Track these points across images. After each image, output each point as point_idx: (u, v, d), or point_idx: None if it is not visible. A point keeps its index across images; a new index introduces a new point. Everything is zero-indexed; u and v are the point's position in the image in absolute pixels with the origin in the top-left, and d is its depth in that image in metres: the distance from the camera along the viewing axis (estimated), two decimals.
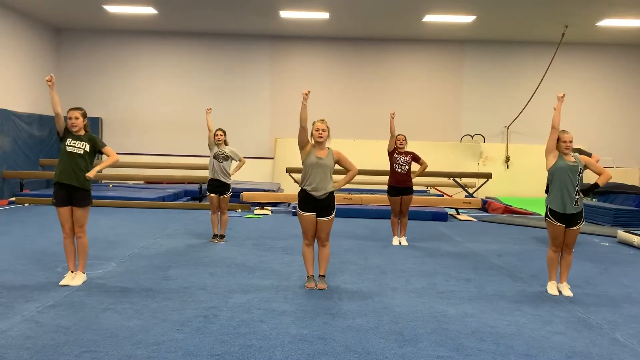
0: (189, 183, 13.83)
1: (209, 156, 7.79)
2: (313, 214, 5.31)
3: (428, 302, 5.00)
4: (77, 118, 5.19)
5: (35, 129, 13.83)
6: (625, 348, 3.99)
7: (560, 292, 5.43)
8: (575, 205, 5.30)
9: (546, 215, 5.47)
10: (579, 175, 5.31)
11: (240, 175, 14.15)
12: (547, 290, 5.49)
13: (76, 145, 5.15)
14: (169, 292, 5.08)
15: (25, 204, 11.43)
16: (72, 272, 5.29)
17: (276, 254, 7.01)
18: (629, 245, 8.37)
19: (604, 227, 10.27)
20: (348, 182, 5.50)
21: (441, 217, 10.89)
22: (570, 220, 5.35)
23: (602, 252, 7.88)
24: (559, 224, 5.36)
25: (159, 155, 15.26)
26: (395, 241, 8.02)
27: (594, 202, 12.11)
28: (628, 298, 5.39)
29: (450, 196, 13.67)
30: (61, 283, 5.17)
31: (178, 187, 13.82)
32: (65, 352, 3.59)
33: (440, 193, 14.22)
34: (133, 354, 3.60)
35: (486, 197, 13.62)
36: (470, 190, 13.26)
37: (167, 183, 14.34)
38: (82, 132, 5.24)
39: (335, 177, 5.46)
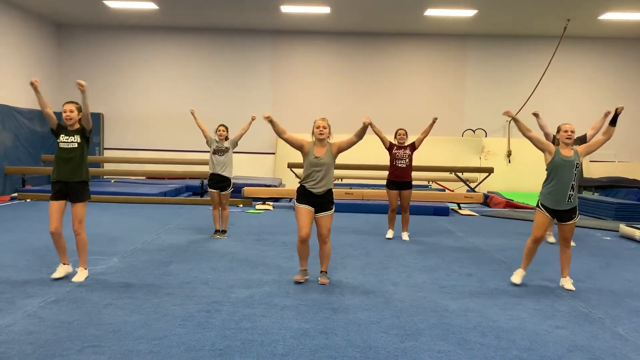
0: (190, 178, 13.84)
1: (209, 151, 7.77)
2: (311, 208, 5.29)
3: (430, 297, 5.00)
4: (71, 111, 5.19)
5: (37, 125, 13.83)
6: (627, 342, 3.99)
7: (562, 286, 5.43)
8: (568, 201, 5.28)
9: (537, 205, 5.46)
10: (575, 170, 5.28)
11: (241, 170, 14.24)
12: (511, 278, 5.51)
13: (69, 140, 5.17)
14: (171, 287, 5.09)
15: (27, 200, 11.45)
16: (65, 264, 5.31)
17: (278, 249, 7.02)
18: (631, 239, 8.36)
19: (606, 221, 10.25)
20: (357, 135, 5.38)
21: (443, 211, 10.88)
22: (561, 215, 5.34)
23: (604, 246, 7.87)
24: (547, 215, 5.35)
25: (161, 151, 15.26)
26: (390, 234, 7.98)
27: (595, 196, 12.09)
28: (630, 292, 5.39)
29: (452, 191, 13.66)
30: (53, 276, 5.20)
31: (179, 182, 13.83)
32: (68, 347, 3.60)
33: (441, 188, 14.21)
34: (135, 348, 3.61)
35: (488, 192, 13.62)
36: (472, 185, 13.25)
37: (168, 178, 14.35)
38: (77, 126, 5.23)
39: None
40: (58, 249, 5.29)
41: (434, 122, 7.90)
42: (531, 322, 4.37)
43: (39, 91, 5.13)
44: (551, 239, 7.87)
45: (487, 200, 12.71)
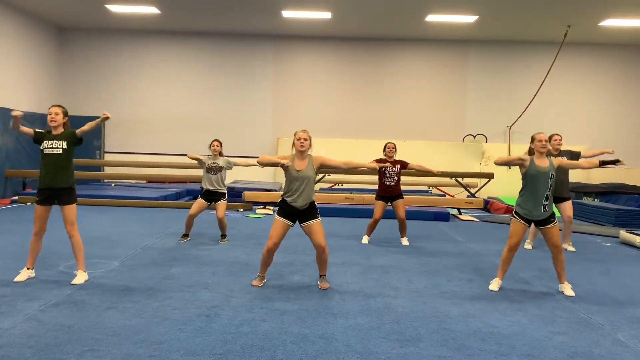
0: (191, 182, 13.84)
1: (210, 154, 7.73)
2: (289, 222, 5.26)
3: (430, 302, 5.00)
4: (57, 114, 5.18)
5: (39, 128, 13.80)
6: (628, 349, 3.98)
7: (562, 292, 5.43)
8: (543, 210, 5.30)
9: (512, 214, 5.47)
10: (550, 181, 5.29)
11: (242, 175, 14.25)
12: (489, 286, 5.52)
13: (53, 146, 5.13)
14: (171, 291, 5.09)
15: (28, 203, 11.45)
16: (28, 268, 5.30)
17: (278, 254, 6.96)
18: (632, 245, 8.35)
19: (606, 227, 10.25)
20: (353, 167, 5.60)
21: (443, 217, 10.88)
22: (538, 222, 5.35)
23: (605, 253, 7.86)
24: (523, 222, 5.36)
25: (161, 155, 15.27)
26: (365, 240, 7.99)
27: (596, 202, 12.09)
28: (630, 298, 5.39)
29: (452, 196, 13.65)
30: (15, 279, 5.19)
31: (180, 186, 13.84)
32: (68, 351, 3.60)
33: (442, 193, 14.21)
34: (135, 352, 3.61)
35: (488, 197, 13.61)
36: (472, 190, 13.24)
37: (169, 182, 14.35)
38: (60, 130, 5.20)
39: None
40: (32, 251, 5.27)
41: (436, 174, 8.01)
42: (531, 327, 4.37)
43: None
44: (528, 246, 7.87)
45: (487, 205, 12.72)
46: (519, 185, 5.51)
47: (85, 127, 5.18)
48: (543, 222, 5.35)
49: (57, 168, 5.13)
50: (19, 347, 3.63)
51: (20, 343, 3.70)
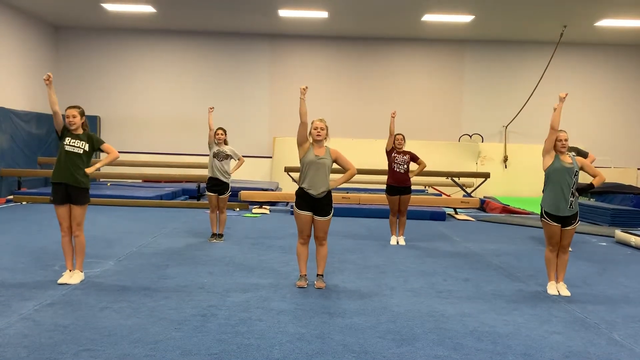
0: (187, 182, 13.81)
1: (207, 155, 7.76)
2: (309, 213, 5.31)
3: (426, 302, 5.01)
4: (74, 116, 5.23)
5: (33, 127, 13.80)
6: (623, 348, 4.00)
7: (558, 292, 5.44)
8: (570, 207, 5.30)
9: (541, 216, 5.48)
10: (574, 177, 5.31)
11: (238, 174, 14.14)
12: (546, 291, 5.48)
13: (75, 145, 5.19)
14: (167, 290, 5.08)
15: (23, 203, 11.40)
16: (70, 270, 5.29)
17: (274, 253, 7.01)
18: (627, 245, 8.38)
19: (602, 227, 10.28)
20: (346, 182, 5.50)
21: (439, 216, 10.89)
22: (565, 220, 5.36)
23: (600, 252, 7.89)
24: (554, 224, 5.37)
25: (157, 154, 15.24)
26: (394, 240, 8.02)
27: (591, 202, 12.13)
28: (626, 298, 5.40)
29: (449, 196, 13.68)
30: (59, 281, 5.17)
31: (176, 185, 13.80)
32: (63, 351, 3.58)
33: (438, 193, 14.23)
34: (131, 352, 3.60)
35: (484, 197, 13.63)
36: (469, 190, 13.27)
37: (165, 182, 14.32)
38: (81, 131, 5.28)
39: (333, 176, 5.44)
40: (66, 253, 5.30)
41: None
42: (527, 327, 4.38)
43: (52, 88, 5.17)
44: None
45: (484, 205, 12.74)
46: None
47: (98, 165, 5.38)
48: (566, 223, 5.35)
49: (75, 167, 5.18)
50: (14, 347, 3.62)
51: (15, 343, 3.69)
